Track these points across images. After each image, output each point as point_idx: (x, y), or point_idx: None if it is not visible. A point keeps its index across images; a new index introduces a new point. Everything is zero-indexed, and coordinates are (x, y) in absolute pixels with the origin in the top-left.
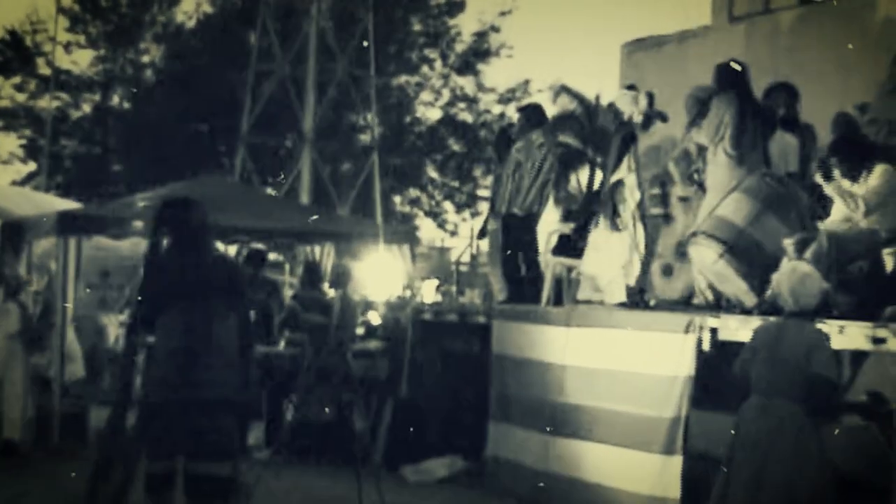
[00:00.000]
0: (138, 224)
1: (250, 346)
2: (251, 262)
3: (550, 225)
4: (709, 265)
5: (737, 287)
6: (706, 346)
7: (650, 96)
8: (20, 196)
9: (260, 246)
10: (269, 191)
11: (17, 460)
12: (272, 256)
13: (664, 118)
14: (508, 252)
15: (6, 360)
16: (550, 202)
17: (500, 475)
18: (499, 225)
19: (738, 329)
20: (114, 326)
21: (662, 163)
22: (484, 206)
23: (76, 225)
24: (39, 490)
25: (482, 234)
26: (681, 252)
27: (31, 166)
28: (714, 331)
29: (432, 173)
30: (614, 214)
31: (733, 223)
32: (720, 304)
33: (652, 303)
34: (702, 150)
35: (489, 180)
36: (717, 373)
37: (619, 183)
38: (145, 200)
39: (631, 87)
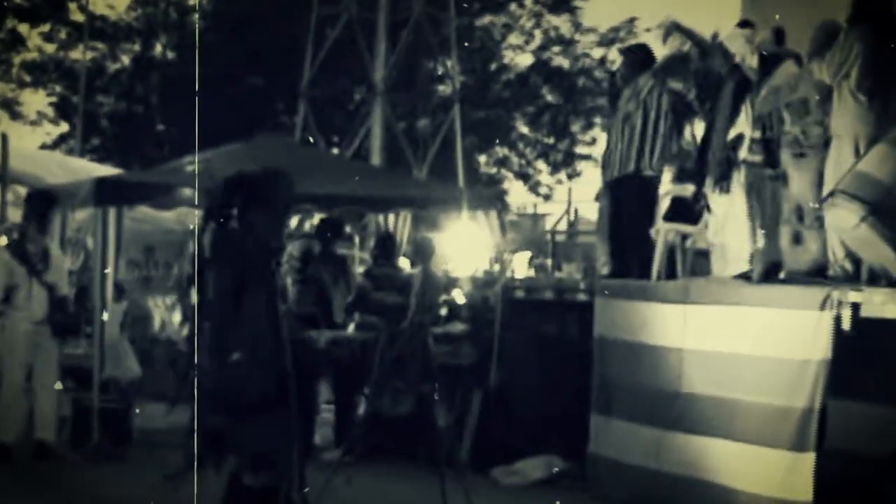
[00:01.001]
0: (186, 192)
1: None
2: (323, 234)
3: (662, 186)
4: (848, 230)
5: (882, 255)
6: (846, 325)
7: (778, 33)
8: (50, 161)
9: (331, 215)
10: (335, 152)
11: (52, 464)
12: None
13: (796, 58)
14: (618, 218)
15: (33, 350)
16: (663, 160)
17: (603, 476)
18: (607, 187)
19: (885, 304)
20: (160, 311)
21: (779, 111)
22: (583, 166)
23: (115, 193)
24: (78, 499)
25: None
26: (801, 216)
27: (63, 127)
28: (855, 307)
29: (522, 129)
30: (731, 173)
31: (879, 180)
32: (861, 276)
33: (781, 275)
34: (823, 93)
35: (589, 135)
36: (858, 356)
37: (739, 138)
38: (193, 165)
39: (745, 24)
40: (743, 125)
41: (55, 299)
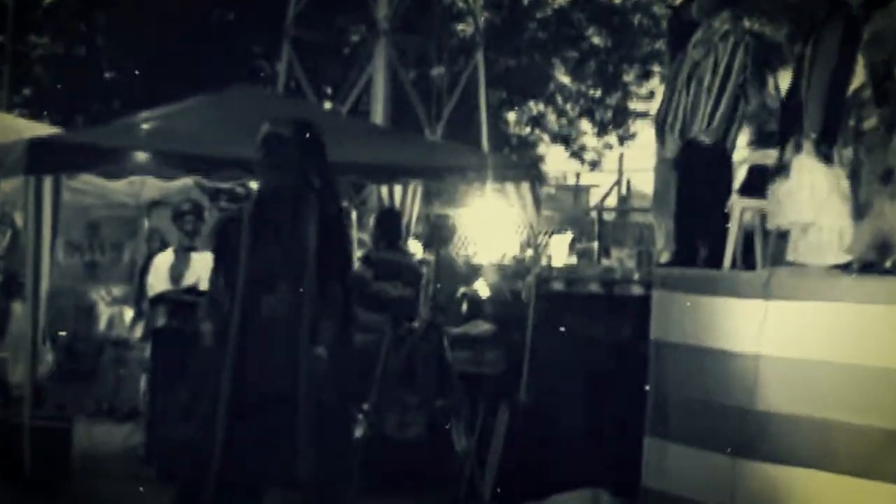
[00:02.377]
0: (141, 157)
1: None
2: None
3: (737, 152)
4: None
5: None
6: None
7: None
8: None
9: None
10: (327, 106)
11: None
12: None
13: None
14: (680, 193)
15: None
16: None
17: None
18: (669, 154)
19: None
20: (106, 304)
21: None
22: (638, 126)
23: (52, 159)
24: None
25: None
26: None
27: None
28: None
29: (563, 78)
30: (830, 136)
31: None
32: None
33: (888, 264)
34: None
35: (646, 88)
36: None
37: (840, 93)
38: (150, 122)
39: None
40: (851, 78)
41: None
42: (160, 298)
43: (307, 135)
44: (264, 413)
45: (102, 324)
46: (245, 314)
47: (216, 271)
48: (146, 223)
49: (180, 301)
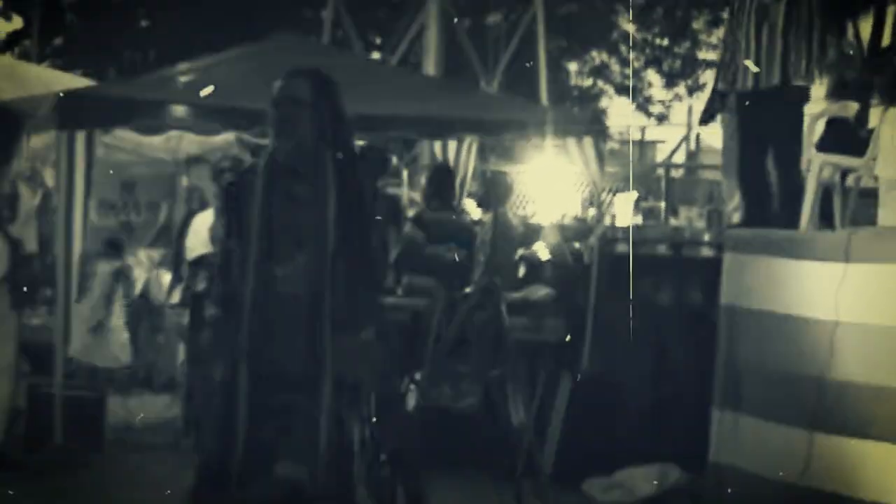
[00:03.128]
0: (179, 110)
1: None
2: (363, 167)
3: (814, 104)
4: None
5: None
6: None
7: None
8: None
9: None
10: (376, 57)
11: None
12: None
13: None
14: (753, 148)
15: None
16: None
17: (728, 492)
18: (735, 106)
19: None
20: (143, 267)
21: None
22: (708, 77)
23: (85, 113)
24: None
25: (707, 117)
26: None
27: (15, 23)
28: None
29: (627, 26)
30: None
31: None
32: None
33: None
34: None
35: (716, 35)
36: None
37: None
38: (189, 74)
39: None
40: None
41: (19, 258)
42: (200, 261)
43: (326, 95)
44: (283, 399)
45: (138, 288)
46: (258, 287)
47: (226, 236)
48: (184, 181)
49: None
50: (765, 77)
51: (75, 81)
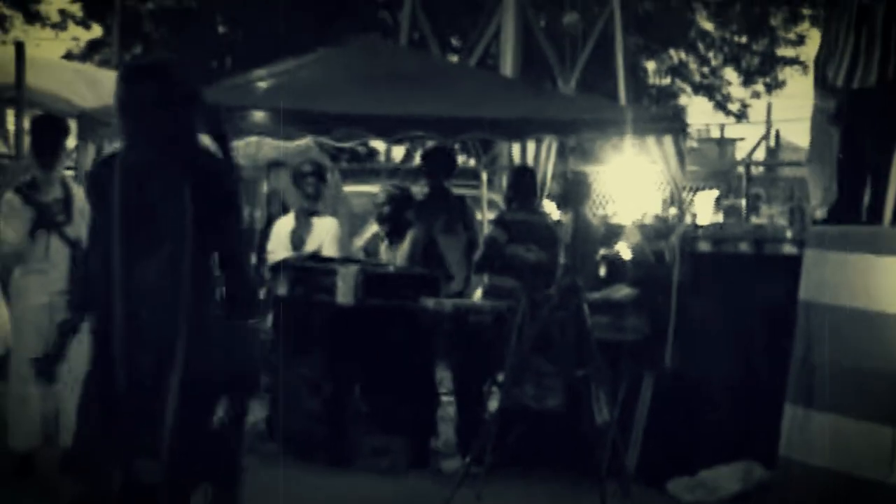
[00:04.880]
0: (258, 115)
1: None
2: (430, 170)
3: None
4: None
5: None
6: None
7: None
8: (78, 77)
9: (437, 145)
10: (453, 59)
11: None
12: (460, 160)
13: None
14: (844, 143)
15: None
16: None
17: (799, 489)
18: (830, 103)
19: None
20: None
21: None
22: (788, 74)
23: None
24: None
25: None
26: None
27: (95, 31)
28: None
29: (705, 24)
30: None
31: None
32: None
33: None
34: None
35: (795, 32)
36: None
37: None
38: (267, 80)
39: None
40: None
41: (79, 259)
42: (282, 265)
43: (175, 94)
44: (133, 397)
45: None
46: (119, 279)
47: (91, 226)
48: (265, 186)
49: (304, 268)
50: (861, 75)
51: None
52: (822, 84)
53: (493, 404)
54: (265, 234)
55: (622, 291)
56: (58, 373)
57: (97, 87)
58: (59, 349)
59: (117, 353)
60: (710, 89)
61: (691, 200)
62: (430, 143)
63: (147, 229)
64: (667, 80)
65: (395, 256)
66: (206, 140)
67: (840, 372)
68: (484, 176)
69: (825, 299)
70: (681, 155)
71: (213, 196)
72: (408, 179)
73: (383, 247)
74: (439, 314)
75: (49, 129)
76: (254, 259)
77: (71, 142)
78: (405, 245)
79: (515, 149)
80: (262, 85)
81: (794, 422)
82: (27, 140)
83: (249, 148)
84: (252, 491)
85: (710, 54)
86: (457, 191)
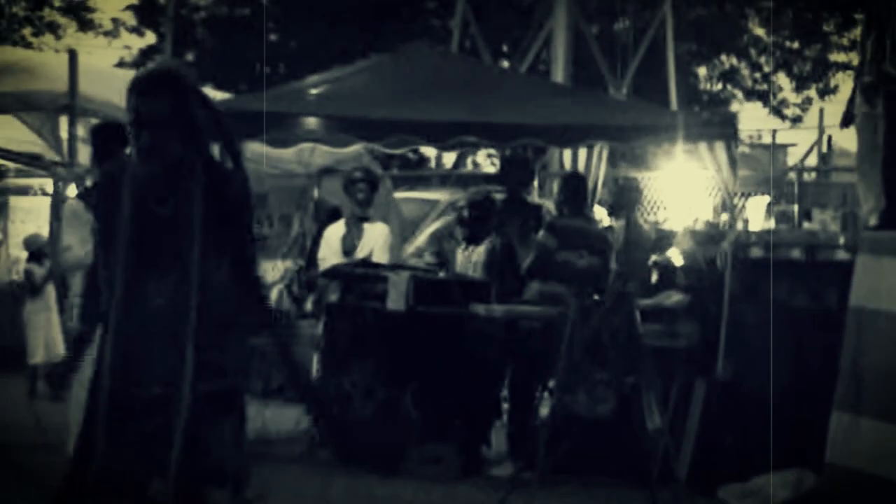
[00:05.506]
0: (310, 122)
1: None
2: (510, 177)
3: None
4: None
5: None
6: None
7: None
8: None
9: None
10: (504, 65)
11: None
12: None
13: None
14: (890, 148)
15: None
16: None
17: (846, 496)
18: (877, 105)
19: None
20: (274, 279)
21: None
22: (840, 79)
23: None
24: None
25: (848, 120)
26: None
27: (148, 38)
28: None
29: (757, 30)
30: None
31: None
32: None
33: None
34: None
35: (848, 37)
36: None
37: None
38: (319, 87)
39: None
40: None
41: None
42: (333, 272)
43: (181, 93)
44: (144, 415)
45: (272, 299)
46: (128, 296)
47: (99, 241)
48: (316, 193)
49: (354, 274)
50: None
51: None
52: (867, 88)
53: (544, 411)
54: (316, 240)
55: (673, 298)
56: (69, 381)
57: None
58: (73, 359)
59: (120, 365)
60: (762, 95)
61: (743, 206)
62: (508, 152)
63: (157, 240)
64: (718, 86)
65: (472, 263)
66: (216, 150)
67: (890, 378)
68: (536, 182)
69: (877, 305)
70: (732, 161)
71: (224, 206)
72: (458, 186)
73: (460, 252)
74: (490, 320)
75: (111, 136)
76: (303, 264)
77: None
78: (481, 252)
79: (567, 155)
80: (314, 92)
81: (841, 428)
82: (80, 147)
83: (302, 155)
84: (303, 498)
85: (762, 60)
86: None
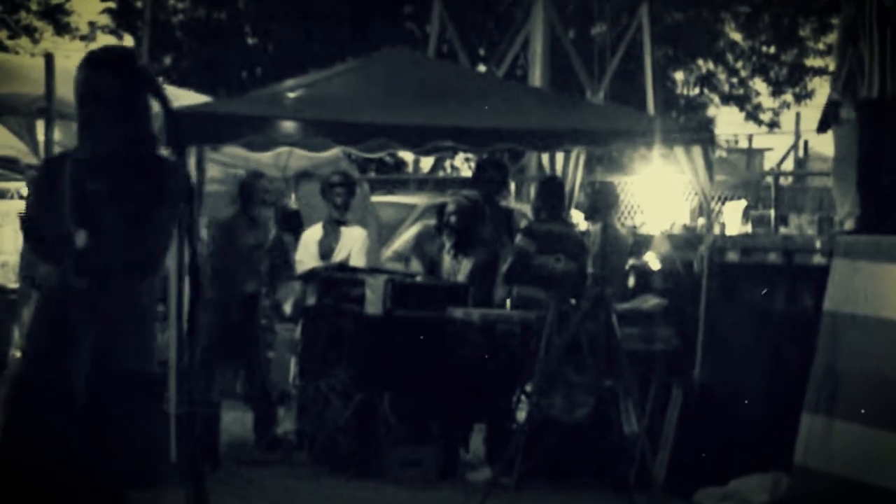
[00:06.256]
0: (288, 126)
1: None
2: (485, 181)
3: None
4: None
5: None
6: None
7: None
8: None
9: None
10: (481, 69)
11: None
12: None
13: None
14: (870, 153)
15: None
16: None
17: (818, 499)
18: (852, 113)
19: None
20: None
21: None
22: (817, 84)
23: (195, 130)
24: None
25: (824, 125)
26: None
27: (126, 41)
28: None
29: (734, 35)
30: None
31: None
32: None
33: None
34: None
35: (824, 42)
36: None
37: None
38: (297, 90)
39: None
40: None
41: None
42: (310, 275)
43: (135, 87)
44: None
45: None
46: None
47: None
48: (293, 197)
49: (332, 278)
50: (890, 84)
51: (185, 98)
52: (844, 93)
53: (521, 415)
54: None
55: (651, 302)
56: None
57: None
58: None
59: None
60: (739, 100)
61: (720, 211)
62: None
63: (98, 221)
64: (695, 91)
65: (460, 269)
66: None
67: (865, 381)
68: (512, 186)
69: (852, 309)
70: (709, 165)
71: (162, 194)
72: (436, 190)
73: (447, 258)
74: (468, 324)
75: None
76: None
77: None
78: (470, 260)
79: (544, 159)
80: (292, 95)
81: (814, 431)
82: (56, 151)
83: (280, 159)
84: (282, 501)
85: (739, 65)
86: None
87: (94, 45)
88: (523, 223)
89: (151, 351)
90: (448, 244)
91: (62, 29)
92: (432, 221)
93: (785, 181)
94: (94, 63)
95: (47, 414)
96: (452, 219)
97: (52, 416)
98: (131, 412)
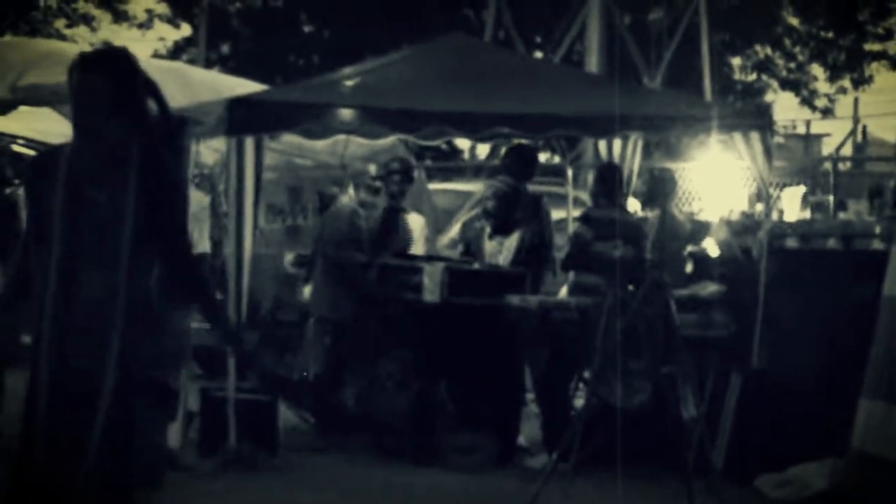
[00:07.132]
0: (345, 114)
1: None
2: (512, 169)
3: None
4: None
5: None
6: None
7: None
8: (167, 76)
9: (521, 144)
10: (537, 55)
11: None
12: (542, 158)
13: None
14: None
15: None
16: None
17: (878, 484)
18: None
19: None
20: None
21: None
22: (875, 69)
23: (253, 118)
24: None
25: None
26: None
27: (183, 30)
28: None
29: (791, 20)
30: None
31: None
32: None
33: None
34: None
35: (883, 26)
36: None
37: None
38: (353, 78)
39: None
40: None
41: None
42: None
43: (128, 86)
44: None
45: (306, 291)
46: (61, 291)
47: (28, 230)
48: (351, 184)
49: (390, 265)
50: None
51: (242, 87)
52: None
53: (579, 401)
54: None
55: (709, 288)
56: None
57: (187, 85)
58: None
59: (56, 361)
60: (797, 85)
61: (778, 197)
62: (514, 142)
63: (90, 226)
64: (752, 76)
65: (502, 254)
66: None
67: None
68: (570, 173)
69: None
70: (767, 151)
71: (158, 194)
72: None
73: (488, 243)
74: (525, 311)
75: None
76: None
77: None
78: (512, 243)
79: (601, 145)
80: (348, 83)
81: (873, 417)
82: None
83: (337, 146)
84: (338, 488)
85: (797, 50)
86: (543, 188)
87: (151, 34)
88: (580, 211)
89: (167, 357)
90: (488, 229)
91: (119, 17)
92: None
93: (843, 166)
94: (87, 65)
95: (66, 413)
96: (490, 204)
97: (71, 415)
98: (147, 418)
